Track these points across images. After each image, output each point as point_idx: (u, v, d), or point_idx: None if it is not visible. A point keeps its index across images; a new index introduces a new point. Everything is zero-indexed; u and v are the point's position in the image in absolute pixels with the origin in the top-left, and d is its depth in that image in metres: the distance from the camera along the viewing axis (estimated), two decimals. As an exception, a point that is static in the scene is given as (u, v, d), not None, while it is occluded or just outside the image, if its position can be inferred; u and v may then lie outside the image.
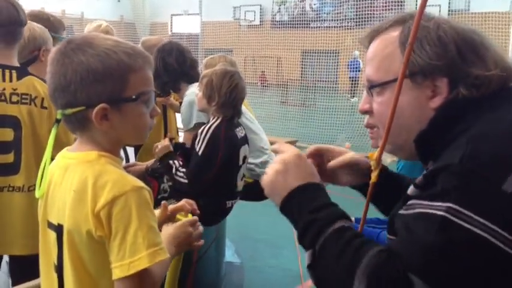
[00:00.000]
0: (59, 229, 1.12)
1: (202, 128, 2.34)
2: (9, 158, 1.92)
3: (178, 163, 2.34)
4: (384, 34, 0.99)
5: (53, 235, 1.15)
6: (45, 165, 1.17)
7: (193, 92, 2.67)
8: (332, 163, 1.20)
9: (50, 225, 1.17)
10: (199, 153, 2.28)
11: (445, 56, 0.90)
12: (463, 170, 0.77)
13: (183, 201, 1.47)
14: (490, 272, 0.73)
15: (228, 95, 2.35)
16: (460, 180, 0.76)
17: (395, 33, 0.96)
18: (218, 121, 2.35)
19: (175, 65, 2.91)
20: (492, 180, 0.74)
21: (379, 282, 0.78)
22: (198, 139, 2.31)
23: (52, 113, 1.94)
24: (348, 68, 13.81)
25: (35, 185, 1.88)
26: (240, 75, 2.44)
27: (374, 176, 0.93)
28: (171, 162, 2.34)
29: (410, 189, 0.87)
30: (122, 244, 1.02)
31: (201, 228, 1.35)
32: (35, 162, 1.91)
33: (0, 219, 1.95)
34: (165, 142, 2.41)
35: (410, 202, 0.83)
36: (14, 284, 1.91)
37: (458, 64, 0.90)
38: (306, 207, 0.92)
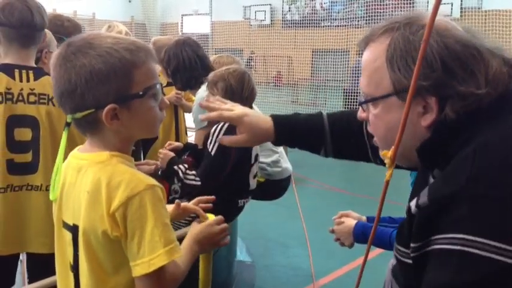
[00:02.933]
0: (74, 229, 1.13)
1: (214, 127, 2.32)
2: (28, 157, 1.95)
3: (184, 167, 2.30)
4: (376, 42, 0.95)
5: (68, 235, 1.16)
6: (58, 168, 1.18)
7: (205, 90, 2.66)
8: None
9: (65, 225, 1.18)
10: (212, 153, 2.27)
11: (430, 75, 0.85)
12: (471, 195, 0.73)
13: (196, 201, 1.48)
14: None
15: (248, 97, 2.33)
16: (471, 208, 0.72)
17: (384, 44, 0.92)
18: None
19: (205, 59, 2.91)
20: (503, 199, 0.71)
21: None
22: (210, 139, 2.29)
23: None
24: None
25: None
26: (250, 74, 2.42)
27: (388, 174, 0.92)
28: (175, 167, 2.31)
29: (414, 210, 0.84)
30: (140, 243, 1.03)
31: (224, 225, 1.36)
32: (53, 161, 1.92)
33: (19, 218, 1.98)
34: (165, 151, 2.40)
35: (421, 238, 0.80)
36: (30, 282, 1.95)
37: (445, 82, 0.85)
38: None
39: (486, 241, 0.69)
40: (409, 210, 0.85)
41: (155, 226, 1.04)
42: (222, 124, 2.31)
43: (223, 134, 2.27)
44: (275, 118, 1.33)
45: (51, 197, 1.20)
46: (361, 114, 1.02)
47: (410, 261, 0.87)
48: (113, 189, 1.05)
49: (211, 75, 2.39)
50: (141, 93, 1.08)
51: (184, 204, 1.44)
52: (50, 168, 1.91)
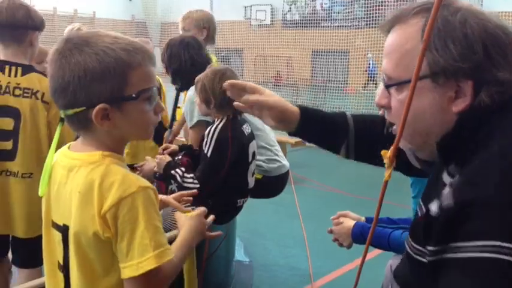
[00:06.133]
0: (64, 229, 1.12)
1: (208, 129, 2.31)
2: (8, 145, 2.13)
3: (181, 170, 2.31)
4: (406, 24, 0.90)
5: (57, 235, 1.15)
6: (48, 164, 1.16)
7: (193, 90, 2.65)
8: (258, 101, 1.26)
9: (54, 225, 1.16)
10: (208, 154, 2.26)
11: (471, 57, 0.82)
12: (502, 203, 0.70)
13: (179, 195, 1.50)
14: None
15: (223, 95, 2.32)
16: (503, 215, 0.69)
17: (417, 25, 0.88)
18: (223, 121, 2.32)
19: (205, 61, 2.88)
20: None
21: None
22: (205, 141, 2.29)
23: (52, 108, 2.15)
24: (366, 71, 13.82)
25: (30, 173, 2.13)
26: (232, 71, 2.38)
27: (387, 174, 0.91)
28: (173, 172, 2.31)
29: (435, 212, 0.80)
30: (130, 245, 1.02)
31: (211, 217, 1.40)
32: (31, 151, 2.14)
33: (3, 200, 2.15)
34: (161, 156, 2.42)
35: (444, 242, 0.76)
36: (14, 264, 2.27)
37: (484, 66, 0.82)
38: None
39: None
40: (428, 212, 0.82)
41: (146, 228, 1.02)
42: (215, 125, 2.31)
43: (218, 134, 2.27)
44: (302, 108, 1.30)
45: (40, 193, 1.18)
46: (380, 100, 0.97)
47: (424, 259, 0.85)
48: (105, 190, 1.03)
49: (196, 79, 2.45)
50: (134, 95, 1.06)
51: (166, 197, 1.43)
52: (28, 157, 2.15)
